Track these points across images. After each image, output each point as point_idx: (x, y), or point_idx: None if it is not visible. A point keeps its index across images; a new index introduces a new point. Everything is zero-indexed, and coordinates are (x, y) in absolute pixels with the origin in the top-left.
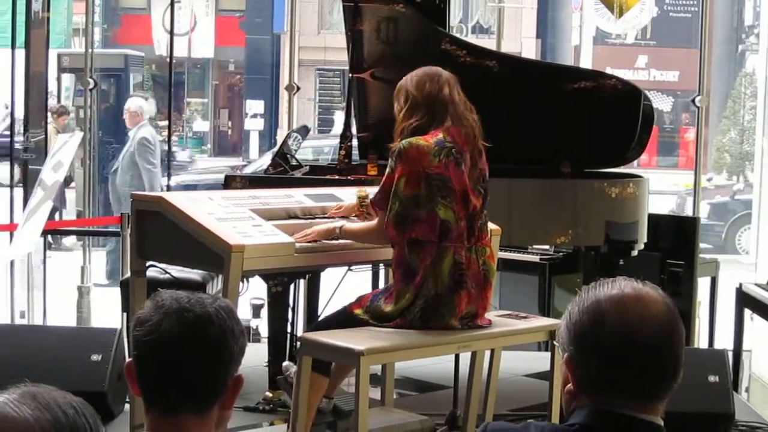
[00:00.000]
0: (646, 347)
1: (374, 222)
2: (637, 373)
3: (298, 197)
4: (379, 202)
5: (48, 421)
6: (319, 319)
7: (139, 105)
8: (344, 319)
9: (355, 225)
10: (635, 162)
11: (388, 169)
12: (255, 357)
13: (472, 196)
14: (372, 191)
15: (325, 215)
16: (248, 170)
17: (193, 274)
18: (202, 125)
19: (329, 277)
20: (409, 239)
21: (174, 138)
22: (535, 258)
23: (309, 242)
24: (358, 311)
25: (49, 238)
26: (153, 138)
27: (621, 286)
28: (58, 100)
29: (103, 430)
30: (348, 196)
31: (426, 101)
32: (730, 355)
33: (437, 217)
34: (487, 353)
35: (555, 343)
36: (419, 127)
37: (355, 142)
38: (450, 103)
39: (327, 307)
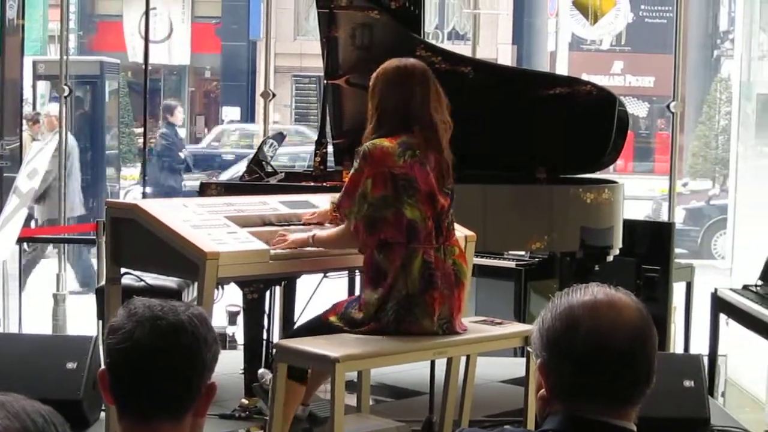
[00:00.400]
0: (619, 353)
1: (343, 227)
2: (610, 379)
3: (273, 204)
4: (341, 202)
5: (17, 429)
6: (295, 326)
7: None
8: (319, 326)
9: (325, 232)
10: (611, 167)
11: (352, 171)
12: (231, 364)
13: (440, 195)
14: None
15: (300, 222)
16: (224, 177)
17: (169, 281)
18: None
19: (305, 284)
20: (378, 241)
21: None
22: (511, 264)
23: (284, 249)
24: (332, 318)
25: (25, 245)
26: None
27: (594, 291)
28: (33, 108)
29: None
30: (323, 202)
31: (396, 110)
32: (706, 360)
33: (404, 217)
34: (463, 359)
35: (529, 349)
36: (386, 135)
37: (330, 149)
38: (419, 112)
39: (303, 314)
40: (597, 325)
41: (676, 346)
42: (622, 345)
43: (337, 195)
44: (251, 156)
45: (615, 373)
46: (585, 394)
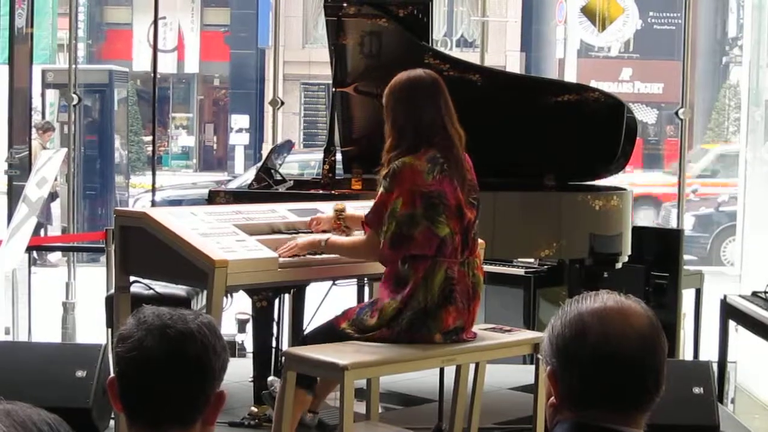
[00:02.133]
0: (628, 360)
1: (363, 238)
2: (619, 387)
3: (281, 212)
4: (371, 222)
5: None
6: (305, 333)
7: None
8: (330, 333)
9: (342, 239)
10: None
11: (381, 189)
12: (240, 372)
13: (466, 209)
14: (350, 205)
15: (310, 230)
16: (233, 185)
17: (178, 289)
18: (187, 140)
19: (314, 292)
20: (404, 255)
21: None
22: (520, 271)
23: (292, 256)
24: (344, 325)
25: (34, 254)
26: None
27: (603, 299)
28: (43, 116)
29: None
30: (329, 210)
31: (410, 125)
32: (715, 366)
33: (436, 236)
34: (472, 366)
35: (539, 356)
36: (406, 152)
37: (339, 156)
38: (434, 122)
39: (312, 322)
40: (606, 332)
41: (686, 353)
42: (631, 352)
43: (340, 201)
44: (260, 164)
45: (624, 380)
46: (594, 401)
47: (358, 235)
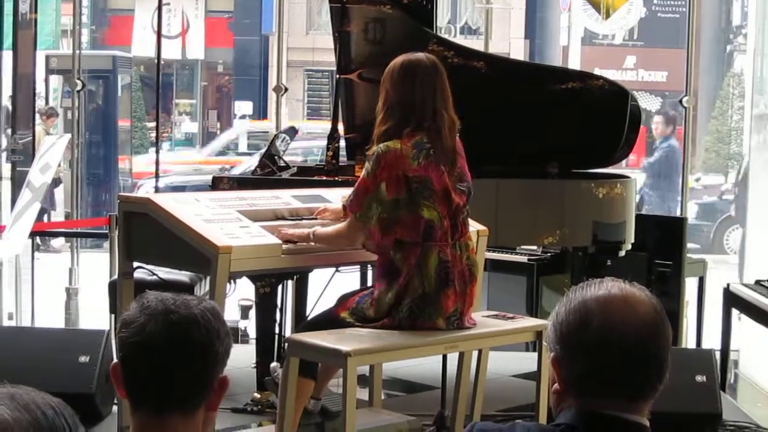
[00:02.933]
0: (632, 348)
1: (343, 225)
2: (623, 374)
3: (285, 198)
4: (351, 204)
5: (27, 421)
6: (305, 321)
7: None
8: (330, 321)
9: (326, 229)
10: (623, 162)
11: (364, 172)
12: (243, 358)
13: (454, 194)
14: None
15: (313, 216)
16: (236, 171)
17: (181, 275)
18: (190, 126)
19: (317, 278)
20: (394, 240)
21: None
22: (523, 258)
23: (288, 241)
24: (344, 314)
25: (37, 239)
26: None
27: (608, 286)
28: (46, 102)
29: (82, 430)
30: (335, 197)
31: (401, 104)
32: (718, 355)
33: (421, 218)
34: (475, 354)
35: (544, 342)
36: (394, 131)
37: (343, 143)
38: (425, 105)
39: (315, 308)
40: (610, 319)
41: (689, 341)
42: (634, 340)
43: (350, 190)
44: (264, 150)
45: (627, 367)
46: (597, 389)
47: (342, 223)
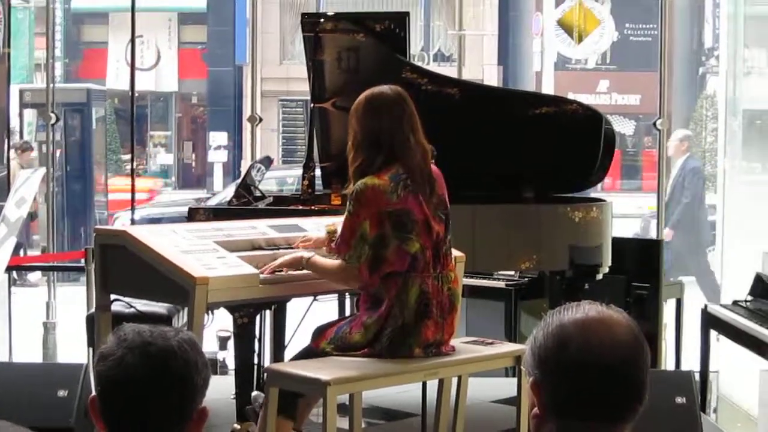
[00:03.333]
0: (611, 370)
1: (337, 264)
2: (602, 396)
3: (261, 228)
4: (339, 247)
5: None
6: (287, 359)
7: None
8: (310, 355)
9: (323, 261)
10: (599, 186)
11: (346, 213)
12: (222, 389)
13: (434, 222)
14: (340, 222)
15: (291, 246)
16: (212, 202)
17: (159, 307)
18: (165, 158)
19: (295, 308)
20: (382, 275)
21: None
22: (501, 284)
23: (273, 272)
24: (323, 344)
25: (14, 274)
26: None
27: (585, 309)
28: (21, 136)
29: None
30: (311, 226)
31: (369, 139)
32: (697, 376)
33: (407, 253)
34: (455, 380)
35: (522, 368)
36: (367, 167)
37: (318, 172)
38: (394, 137)
39: (294, 338)
40: (587, 342)
41: (667, 362)
42: (613, 362)
43: (332, 222)
44: (239, 180)
45: (607, 390)
46: (577, 411)
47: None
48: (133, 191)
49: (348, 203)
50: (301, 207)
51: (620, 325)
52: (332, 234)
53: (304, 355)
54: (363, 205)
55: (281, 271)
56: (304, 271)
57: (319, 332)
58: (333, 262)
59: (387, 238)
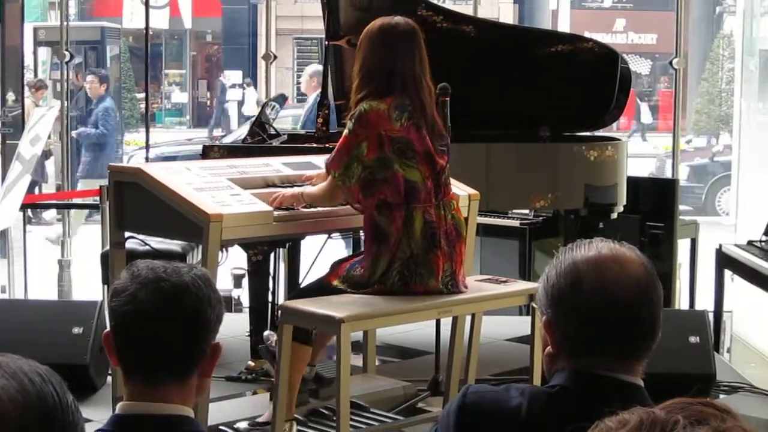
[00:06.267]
0: (624, 308)
1: (324, 184)
2: (616, 334)
3: (276, 166)
4: (330, 164)
5: (14, 388)
6: (297, 289)
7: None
8: (322, 289)
9: (312, 188)
10: (614, 125)
11: (345, 131)
12: (236, 327)
13: (437, 156)
14: None
15: (301, 183)
16: (227, 140)
17: (173, 245)
18: (180, 97)
19: (309, 245)
20: (377, 202)
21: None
22: (515, 223)
23: (282, 208)
24: (335, 282)
25: (29, 212)
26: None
27: (598, 247)
28: (35, 74)
29: (71, 397)
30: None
31: (379, 70)
32: (711, 316)
33: (402, 178)
34: (468, 318)
35: (534, 305)
36: (373, 99)
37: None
38: (405, 71)
39: (308, 275)
40: (601, 280)
41: (682, 302)
42: (626, 300)
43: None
44: (254, 118)
45: (620, 327)
46: (591, 350)
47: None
48: (147, 131)
49: (348, 122)
50: (315, 144)
51: (633, 263)
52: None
53: (316, 288)
54: (364, 126)
55: (293, 207)
56: (318, 209)
57: (335, 267)
58: (322, 184)
59: (387, 161)
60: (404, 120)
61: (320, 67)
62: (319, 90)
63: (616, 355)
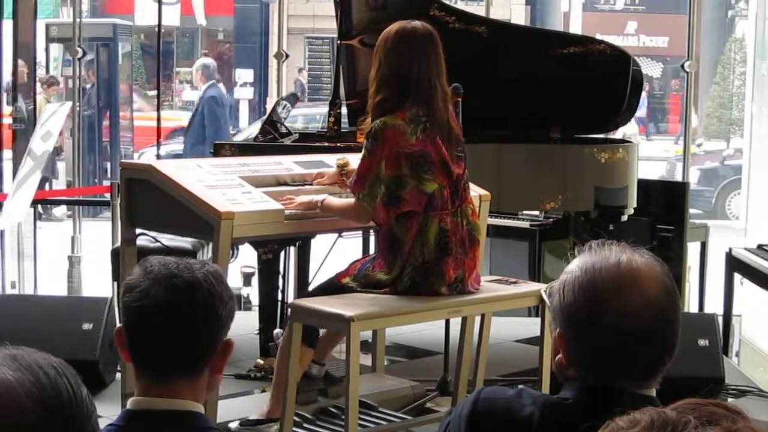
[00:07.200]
0: (645, 335)
1: (351, 203)
2: (633, 358)
3: (287, 164)
4: (354, 186)
5: (29, 381)
6: (309, 290)
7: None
8: (333, 288)
9: (335, 201)
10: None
11: (364, 152)
12: (246, 325)
13: (453, 165)
14: (353, 158)
15: (310, 182)
16: (238, 139)
17: (184, 242)
18: (191, 94)
19: (320, 244)
20: (397, 214)
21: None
22: (525, 224)
23: (293, 210)
24: (346, 280)
25: (39, 208)
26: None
27: (617, 259)
28: (47, 71)
29: (85, 390)
30: (334, 163)
31: (396, 75)
32: (720, 319)
33: (424, 192)
34: (478, 319)
35: (544, 296)
36: (389, 104)
37: (344, 109)
38: (420, 77)
39: (318, 274)
40: (622, 304)
41: (691, 305)
42: (647, 327)
43: (343, 156)
44: (265, 117)
45: (639, 352)
46: (606, 368)
47: (352, 198)
48: (158, 126)
49: (366, 141)
50: (326, 144)
51: (654, 280)
52: (342, 167)
53: (326, 287)
54: (381, 144)
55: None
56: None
57: (345, 269)
58: (346, 201)
59: (404, 178)
60: (419, 133)
61: (207, 61)
62: (209, 83)
63: (633, 374)
